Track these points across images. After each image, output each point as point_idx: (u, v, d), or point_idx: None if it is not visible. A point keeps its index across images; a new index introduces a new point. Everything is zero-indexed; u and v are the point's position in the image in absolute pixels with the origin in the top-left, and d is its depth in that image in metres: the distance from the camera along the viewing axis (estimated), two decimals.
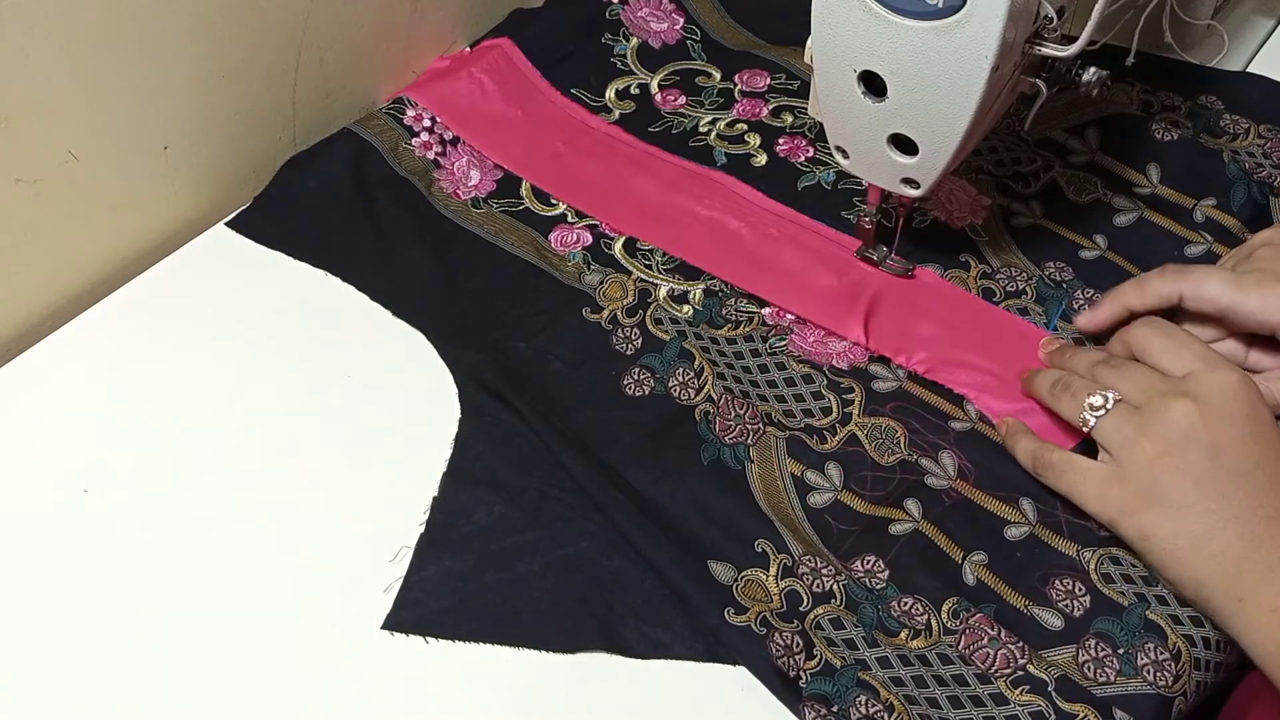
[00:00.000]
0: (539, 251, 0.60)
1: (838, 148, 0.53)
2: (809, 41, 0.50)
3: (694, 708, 0.43)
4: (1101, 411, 0.45)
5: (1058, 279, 0.57)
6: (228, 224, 0.60)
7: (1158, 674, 0.42)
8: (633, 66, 0.71)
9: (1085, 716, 0.41)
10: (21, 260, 0.54)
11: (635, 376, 0.53)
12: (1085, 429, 0.46)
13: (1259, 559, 0.40)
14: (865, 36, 0.46)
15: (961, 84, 0.45)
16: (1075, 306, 0.55)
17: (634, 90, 0.70)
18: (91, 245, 0.58)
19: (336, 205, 0.61)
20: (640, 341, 0.55)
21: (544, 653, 0.44)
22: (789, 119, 0.66)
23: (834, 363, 0.53)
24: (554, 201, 0.63)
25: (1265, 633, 0.40)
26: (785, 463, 0.49)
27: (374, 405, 0.52)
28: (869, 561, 0.46)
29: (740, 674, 0.44)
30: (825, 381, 0.53)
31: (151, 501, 0.48)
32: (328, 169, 0.63)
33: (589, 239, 0.60)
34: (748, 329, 0.55)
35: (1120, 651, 0.43)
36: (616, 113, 0.68)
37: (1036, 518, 0.47)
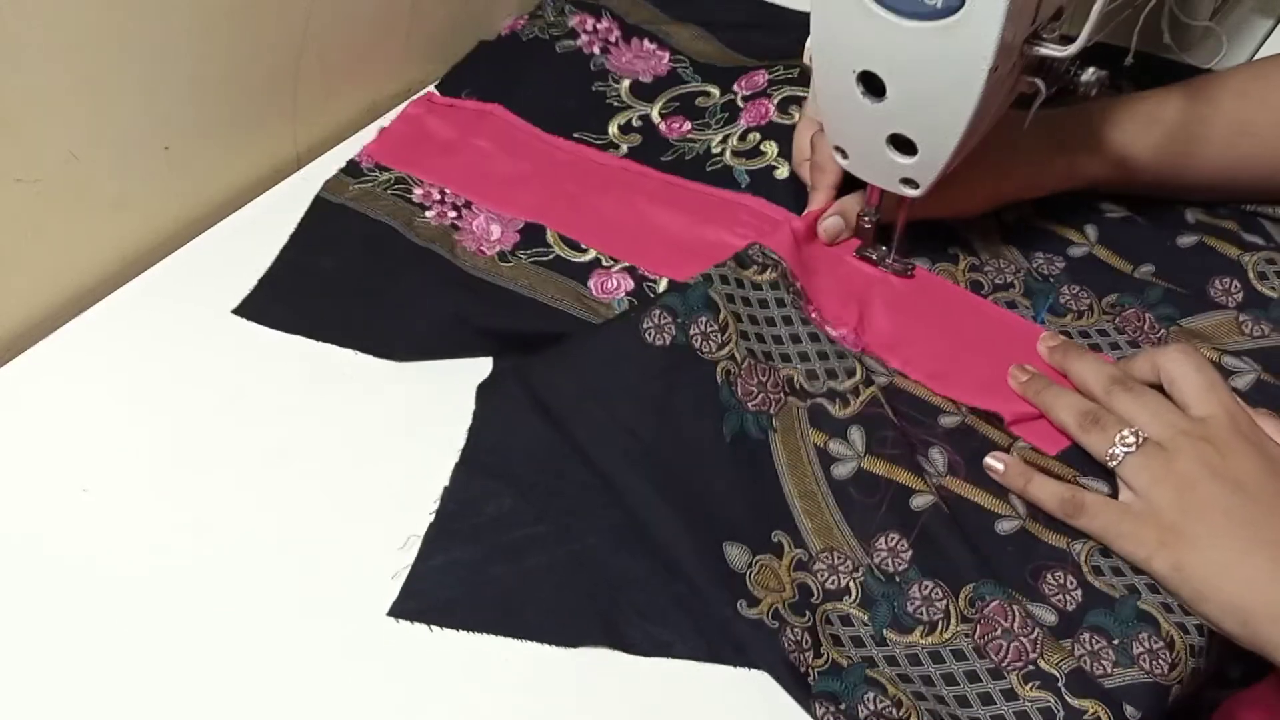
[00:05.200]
0: (583, 303, 0.57)
1: (837, 148, 0.53)
2: (808, 41, 0.50)
3: (693, 706, 0.43)
4: (1131, 448, 0.46)
5: (1046, 272, 0.57)
6: (234, 311, 0.57)
7: (1153, 663, 0.42)
8: (629, 102, 0.70)
9: (1095, 712, 0.41)
10: (21, 260, 0.54)
11: (656, 320, 0.51)
12: (1111, 463, 0.46)
13: None
14: (864, 37, 0.46)
15: (960, 84, 0.45)
16: (1062, 300, 0.56)
17: (636, 123, 0.68)
18: (91, 245, 0.58)
19: (355, 282, 0.58)
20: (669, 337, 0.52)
21: (547, 646, 0.44)
22: (797, 113, 0.64)
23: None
24: (584, 247, 0.60)
25: None
26: (809, 433, 0.49)
27: (374, 404, 0.53)
28: (892, 539, 0.46)
29: (741, 674, 0.44)
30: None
31: (151, 501, 0.48)
32: (341, 250, 0.60)
33: (630, 283, 0.58)
34: (773, 275, 0.53)
35: (1115, 643, 0.43)
36: (624, 147, 0.67)
37: (1026, 511, 0.47)
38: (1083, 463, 0.48)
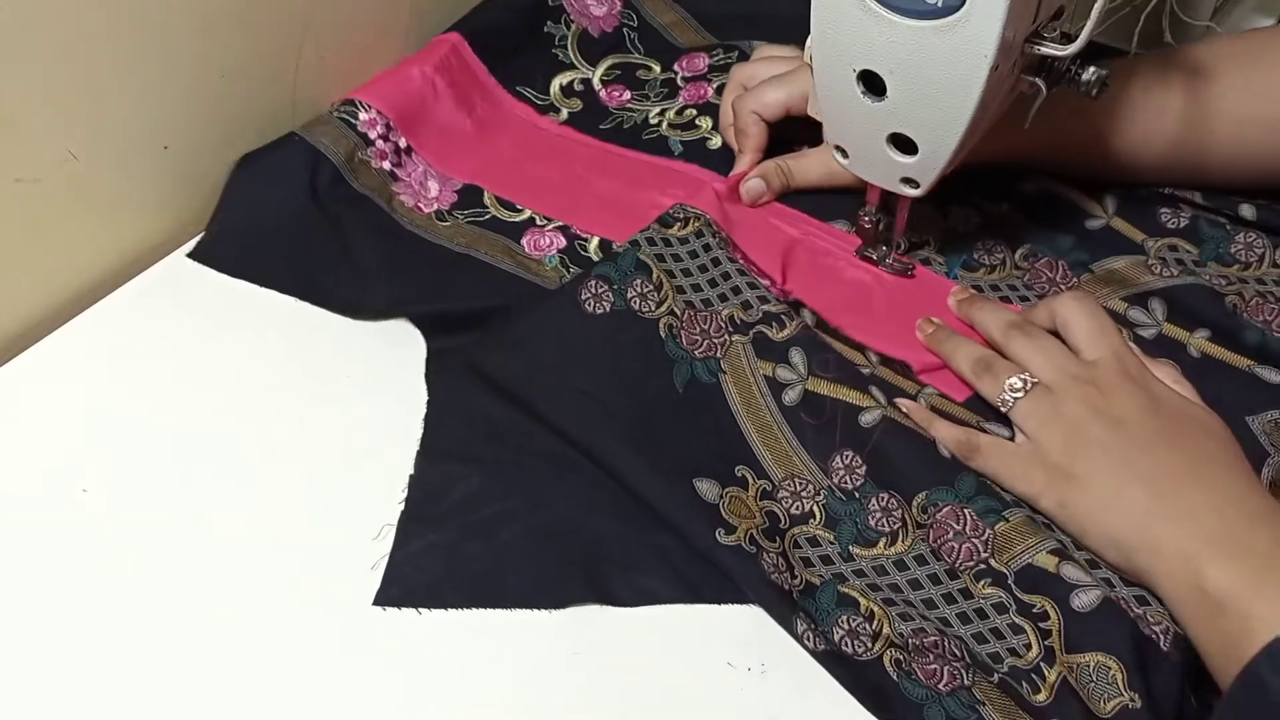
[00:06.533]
0: (515, 258, 0.59)
1: (837, 147, 0.53)
2: (809, 41, 0.50)
3: (685, 646, 0.44)
4: (1020, 394, 0.48)
5: (961, 230, 0.59)
6: (189, 255, 0.58)
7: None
8: (573, 58, 0.71)
9: (1043, 607, 0.43)
10: (21, 260, 0.54)
11: (593, 290, 0.53)
12: (1004, 409, 0.48)
13: (1166, 510, 0.43)
14: (865, 36, 0.46)
15: (961, 83, 0.45)
16: (975, 255, 0.58)
17: (578, 86, 0.70)
18: (91, 245, 0.58)
19: (298, 230, 0.59)
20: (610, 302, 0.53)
21: (537, 611, 0.45)
22: None
23: None
24: (520, 207, 0.62)
25: (1178, 578, 0.41)
26: (757, 366, 0.50)
27: (372, 401, 0.53)
28: (847, 457, 0.47)
29: (726, 612, 0.45)
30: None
31: (151, 501, 0.48)
32: (284, 189, 0.60)
33: (562, 241, 0.60)
34: (696, 225, 0.55)
35: None
36: (565, 112, 0.68)
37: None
38: (986, 409, 0.50)
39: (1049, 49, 0.46)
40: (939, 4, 0.43)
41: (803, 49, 0.61)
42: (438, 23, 0.71)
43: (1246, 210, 0.57)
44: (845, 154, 0.53)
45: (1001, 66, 0.45)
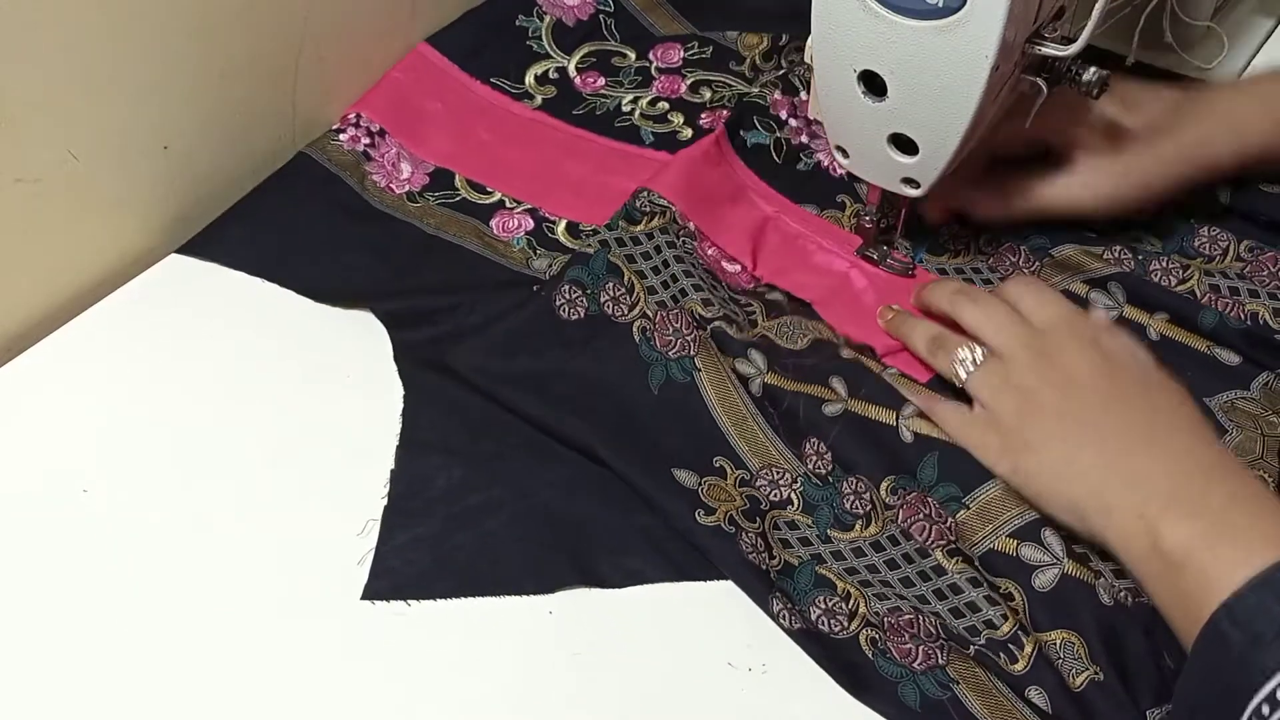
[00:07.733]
0: (483, 239, 0.60)
1: (838, 147, 0.53)
2: (809, 41, 0.50)
3: (675, 623, 0.45)
4: (972, 366, 0.48)
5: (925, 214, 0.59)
6: (179, 251, 0.59)
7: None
8: (548, 48, 0.71)
9: (1007, 589, 0.44)
10: (21, 260, 0.54)
11: (567, 296, 0.53)
12: (958, 383, 0.49)
13: (1119, 472, 0.43)
14: (865, 36, 0.46)
15: (962, 83, 0.45)
16: (941, 240, 0.58)
17: (553, 75, 0.70)
18: (91, 245, 0.58)
19: (273, 213, 0.60)
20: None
21: (536, 613, 0.45)
22: (707, 94, 0.67)
23: (729, 283, 0.56)
24: (490, 190, 0.63)
25: (1134, 538, 0.41)
26: (724, 359, 0.51)
27: (369, 400, 0.52)
28: (813, 444, 0.48)
29: (725, 612, 0.45)
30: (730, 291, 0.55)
31: (151, 501, 0.48)
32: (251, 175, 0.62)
33: (530, 223, 0.61)
34: (661, 221, 0.56)
35: None
36: (539, 98, 0.69)
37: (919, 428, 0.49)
38: (948, 389, 0.50)
39: (1050, 49, 0.46)
40: (940, 4, 0.43)
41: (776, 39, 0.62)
42: (438, 21, 0.71)
43: (1223, 195, 0.57)
44: (846, 154, 0.53)
45: (1002, 67, 0.45)
